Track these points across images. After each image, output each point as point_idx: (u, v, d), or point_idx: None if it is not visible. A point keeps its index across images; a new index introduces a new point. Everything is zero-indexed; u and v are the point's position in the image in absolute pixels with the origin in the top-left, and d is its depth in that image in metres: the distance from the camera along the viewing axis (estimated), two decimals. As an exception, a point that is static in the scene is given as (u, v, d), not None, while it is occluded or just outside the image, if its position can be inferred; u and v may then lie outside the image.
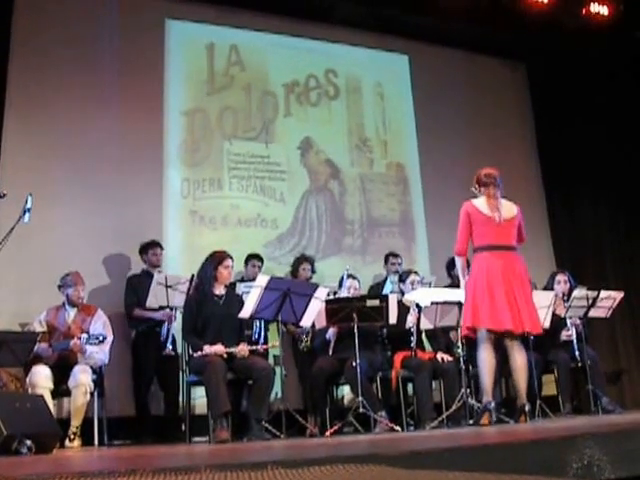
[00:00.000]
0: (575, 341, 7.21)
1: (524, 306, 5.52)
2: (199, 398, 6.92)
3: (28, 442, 4.23)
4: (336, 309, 6.40)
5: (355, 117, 9.71)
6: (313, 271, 8.04)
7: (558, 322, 7.23)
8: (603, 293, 7.24)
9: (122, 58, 8.33)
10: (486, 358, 5.54)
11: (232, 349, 5.96)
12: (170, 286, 6.82)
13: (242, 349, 5.99)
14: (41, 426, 4.60)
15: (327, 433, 6.17)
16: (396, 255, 8.57)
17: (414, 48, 10.18)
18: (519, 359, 5.60)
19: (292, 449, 4.16)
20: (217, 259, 6.30)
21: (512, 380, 5.90)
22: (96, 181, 7.89)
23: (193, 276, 6.65)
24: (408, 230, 9.59)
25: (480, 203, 5.76)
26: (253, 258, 7.96)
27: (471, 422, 6.05)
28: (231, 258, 6.39)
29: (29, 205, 5.81)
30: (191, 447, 5.62)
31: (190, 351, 6.13)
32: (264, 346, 6.40)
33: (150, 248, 7.56)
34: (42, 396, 5.18)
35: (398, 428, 6.26)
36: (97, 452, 5.53)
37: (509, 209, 5.78)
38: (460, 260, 5.83)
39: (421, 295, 6.85)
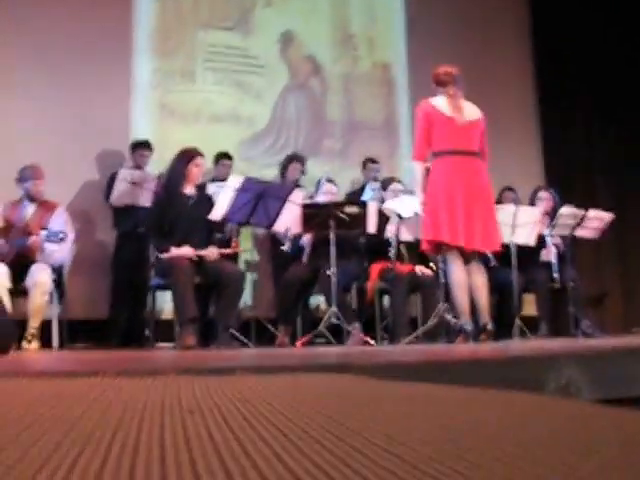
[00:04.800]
0: (556, 261, 7.19)
1: (482, 222, 5.37)
2: (165, 302, 6.97)
3: (-17, 342, 4.24)
4: (312, 214, 6.33)
5: (340, 9, 9.47)
6: (303, 172, 7.88)
7: (538, 241, 7.19)
8: (591, 212, 7.26)
9: None
10: (458, 277, 5.43)
11: (201, 252, 5.91)
12: (136, 183, 6.79)
13: (212, 252, 5.93)
14: (-3, 325, 4.59)
15: (297, 343, 6.24)
16: (375, 161, 8.45)
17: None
18: (477, 279, 5.50)
19: (261, 357, 4.22)
20: (188, 156, 6.18)
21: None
22: (59, 69, 7.74)
23: (161, 174, 6.61)
24: (392, 135, 9.49)
25: (440, 102, 5.51)
26: (222, 157, 7.87)
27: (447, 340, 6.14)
28: (202, 156, 6.30)
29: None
30: (156, 352, 5.67)
31: (156, 252, 6.09)
32: (235, 248, 6.36)
33: (138, 148, 7.48)
34: (-2, 294, 5.14)
35: (372, 341, 6.32)
36: (57, 354, 5.58)
37: (472, 111, 5.57)
38: (419, 167, 5.57)
39: (403, 204, 6.67)
